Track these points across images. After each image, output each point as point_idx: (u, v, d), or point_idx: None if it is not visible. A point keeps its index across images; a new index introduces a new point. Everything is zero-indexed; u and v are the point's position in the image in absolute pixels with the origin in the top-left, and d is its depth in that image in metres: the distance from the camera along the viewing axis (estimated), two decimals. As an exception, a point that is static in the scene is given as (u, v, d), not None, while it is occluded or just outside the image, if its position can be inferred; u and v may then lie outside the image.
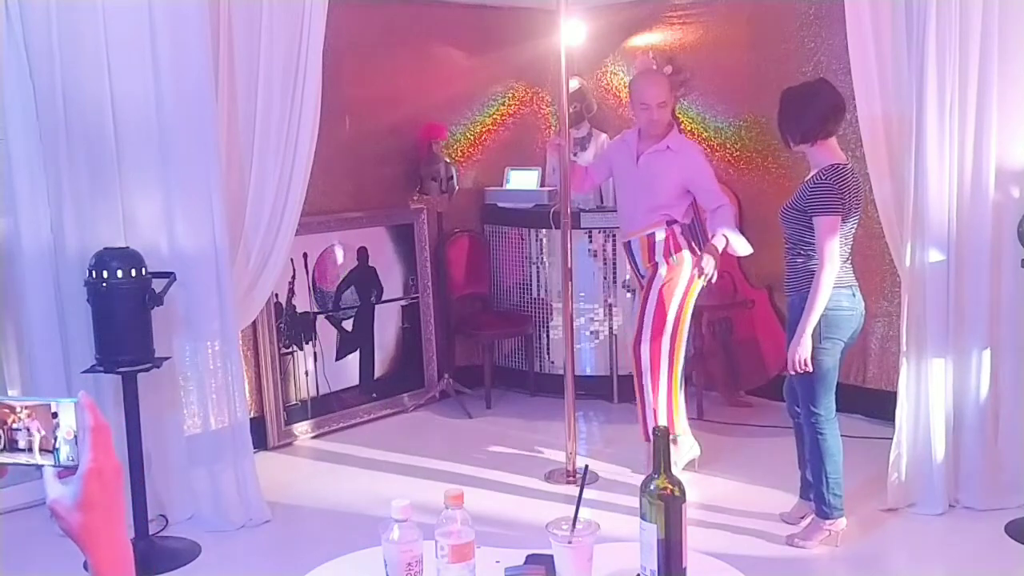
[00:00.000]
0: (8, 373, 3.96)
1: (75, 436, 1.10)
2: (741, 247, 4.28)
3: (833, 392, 3.56)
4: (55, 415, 1.11)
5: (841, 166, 3.47)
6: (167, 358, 3.78)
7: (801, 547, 3.62)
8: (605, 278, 5.52)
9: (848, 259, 3.52)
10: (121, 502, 1.13)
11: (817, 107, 3.50)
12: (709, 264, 4.12)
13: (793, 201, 3.53)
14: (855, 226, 3.54)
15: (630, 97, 4.36)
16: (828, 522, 3.59)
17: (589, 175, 4.60)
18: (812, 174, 3.52)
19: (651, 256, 4.26)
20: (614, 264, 5.48)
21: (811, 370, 3.44)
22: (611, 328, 5.53)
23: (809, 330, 3.41)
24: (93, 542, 1.09)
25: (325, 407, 5.20)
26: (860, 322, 3.57)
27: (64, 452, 1.11)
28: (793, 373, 3.49)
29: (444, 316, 5.73)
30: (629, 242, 4.35)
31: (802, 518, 3.76)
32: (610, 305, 5.52)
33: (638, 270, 4.37)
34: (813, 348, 3.45)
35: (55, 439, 1.11)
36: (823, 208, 3.40)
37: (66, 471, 1.11)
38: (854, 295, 3.53)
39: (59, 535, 3.70)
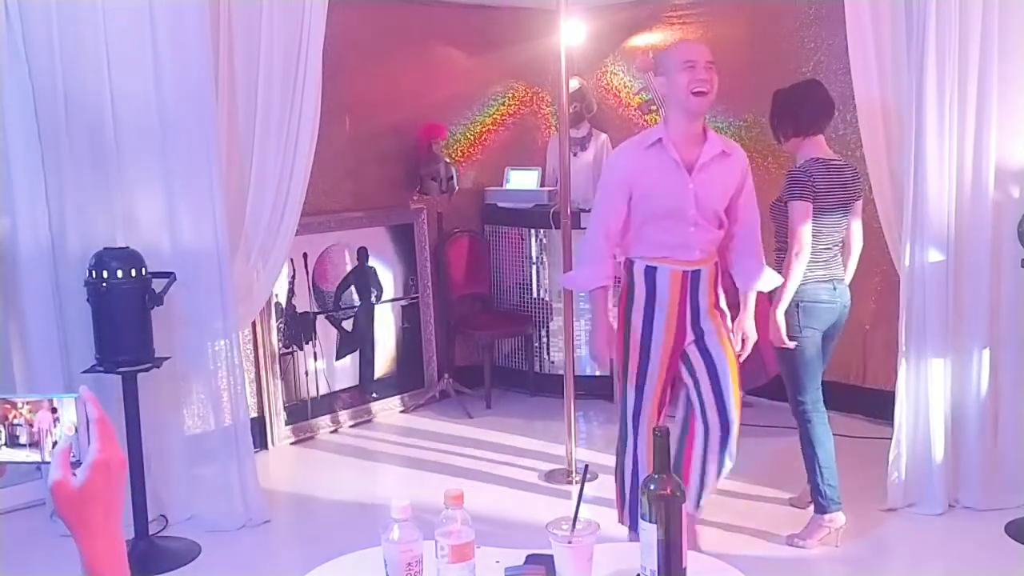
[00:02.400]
0: (9, 373, 3.97)
1: (75, 431, 1.11)
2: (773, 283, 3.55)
3: (818, 380, 3.64)
4: (55, 411, 1.12)
5: (823, 160, 3.58)
6: (167, 358, 3.78)
7: (801, 547, 3.62)
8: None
9: (836, 254, 3.64)
10: (122, 496, 1.13)
11: (811, 104, 3.68)
12: (748, 344, 3.47)
13: (779, 195, 3.63)
14: (841, 221, 3.62)
15: (660, 68, 3.26)
16: (827, 517, 3.59)
17: (615, 253, 3.42)
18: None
19: (716, 294, 3.35)
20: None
21: (791, 346, 3.53)
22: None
23: (780, 312, 3.51)
24: (89, 534, 1.09)
25: (325, 407, 5.20)
26: (842, 313, 3.67)
27: None
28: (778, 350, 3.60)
29: (444, 316, 5.73)
30: (697, 271, 3.27)
31: (810, 503, 3.77)
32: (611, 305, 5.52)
33: (697, 312, 3.29)
34: (794, 338, 3.56)
35: (56, 435, 1.12)
36: (792, 194, 3.51)
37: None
38: (835, 288, 3.62)
39: (59, 535, 3.70)
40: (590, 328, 3.33)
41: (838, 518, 3.60)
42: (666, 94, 3.24)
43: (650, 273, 3.28)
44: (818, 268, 3.57)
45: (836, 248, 3.64)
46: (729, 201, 3.30)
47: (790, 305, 3.54)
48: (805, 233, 3.48)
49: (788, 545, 3.65)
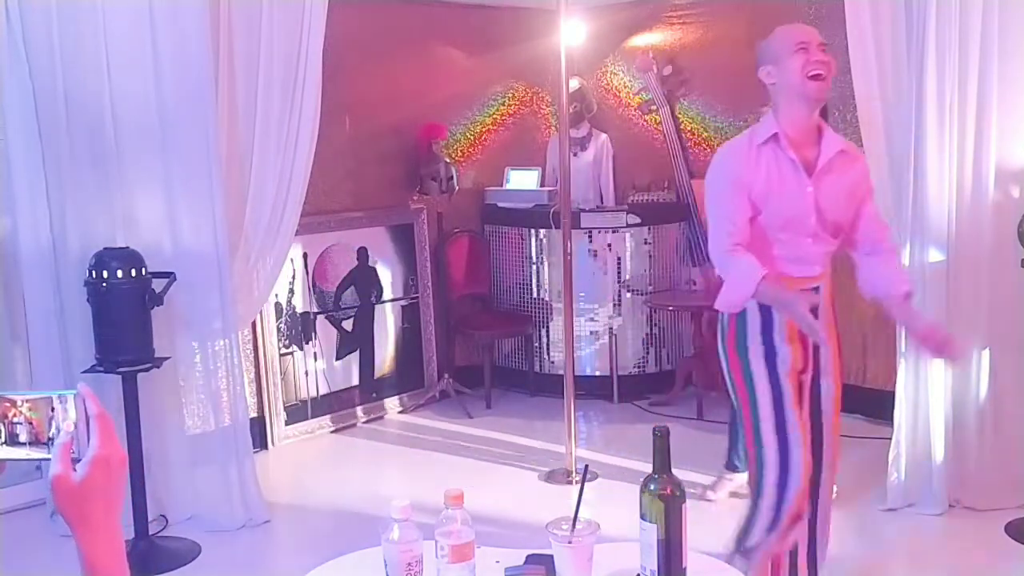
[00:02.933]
0: (10, 373, 3.97)
1: (75, 427, 1.11)
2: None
3: None
4: (54, 408, 1.12)
5: None
6: (167, 358, 3.78)
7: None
8: (605, 277, 5.53)
9: None
10: (122, 493, 1.13)
11: None
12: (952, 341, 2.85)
13: None
14: None
15: (765, 56, 2.79)
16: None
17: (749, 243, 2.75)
18: None
19: (835, 314, 2.90)
20: (616, 263, 5.48)
21: None
22: (611, 328, 5.54)
23: None
24: (89, 530, 1.09)
25: (325, 407, 5.20)
26: None
27: None
28: None
29: (444, 316, 5.73)
30: (817, 288, 2.78)
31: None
32: (611, 305, 5.53)
33: (816, 339, 2.65)
34: None
35: (56, 432, 1.12)
36: None
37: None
38: None
39: (59, 535, 3.68)
40: (785, 308, 2.66)
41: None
42: (775, 83, 2.78)
43: None
44: None
45: None
46: (854, 210, 2.81)
47: None
48: None
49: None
